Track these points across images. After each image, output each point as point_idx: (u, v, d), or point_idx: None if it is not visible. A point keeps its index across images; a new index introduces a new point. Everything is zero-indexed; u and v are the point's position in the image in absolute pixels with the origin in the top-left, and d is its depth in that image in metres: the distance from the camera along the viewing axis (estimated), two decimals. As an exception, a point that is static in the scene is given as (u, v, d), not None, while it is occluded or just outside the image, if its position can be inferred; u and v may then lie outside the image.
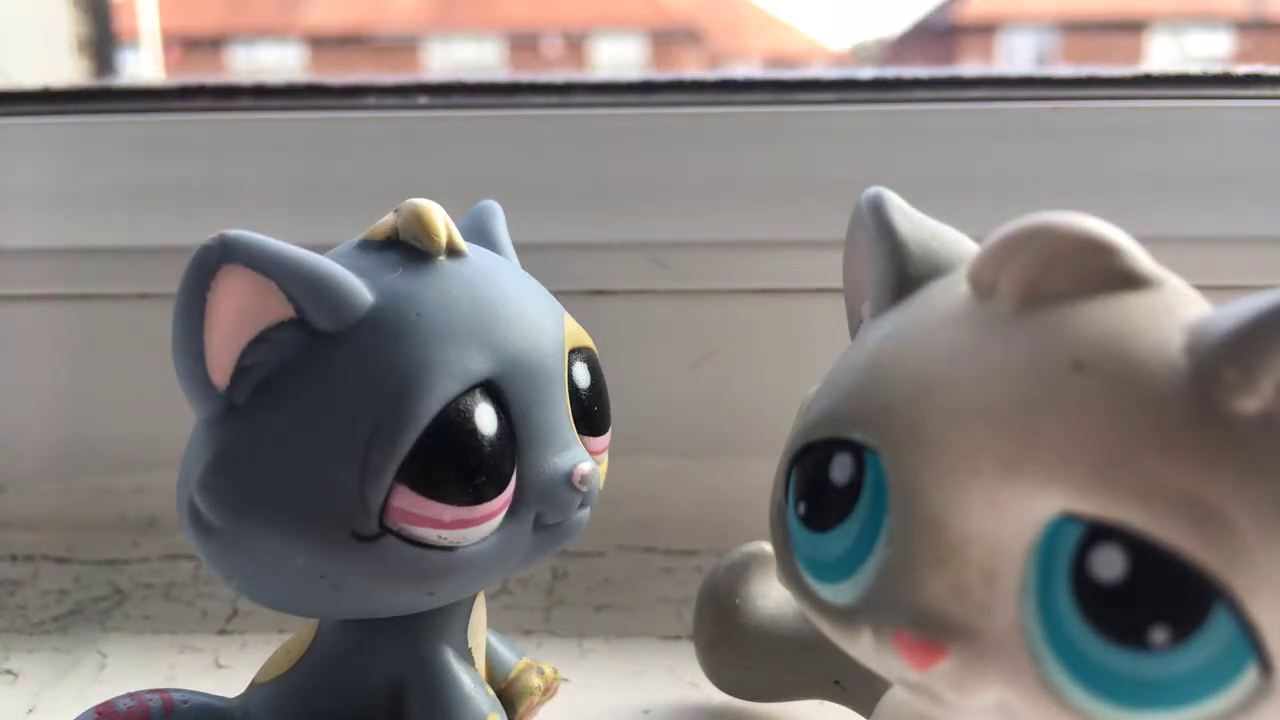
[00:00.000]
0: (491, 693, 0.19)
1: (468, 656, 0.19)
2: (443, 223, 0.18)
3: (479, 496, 0.16)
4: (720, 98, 0.33)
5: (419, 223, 0.17)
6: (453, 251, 0.18)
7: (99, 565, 0.32)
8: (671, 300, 0.33)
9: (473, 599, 0.20)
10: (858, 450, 0.13)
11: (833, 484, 0.13)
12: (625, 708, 0.25)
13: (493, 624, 0.21)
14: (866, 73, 0.35)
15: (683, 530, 0.33)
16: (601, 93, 0.34)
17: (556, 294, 0.19)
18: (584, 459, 0.18)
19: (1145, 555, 0.10)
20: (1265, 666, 0.10)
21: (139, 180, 0.33)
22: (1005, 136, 0.32)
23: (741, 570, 0.24)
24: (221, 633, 0.29)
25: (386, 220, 0.18)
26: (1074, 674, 0.11)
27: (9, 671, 0.27)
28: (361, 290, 0.16)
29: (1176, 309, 0.12)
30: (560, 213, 0.32)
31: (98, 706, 0.19)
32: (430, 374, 0.16)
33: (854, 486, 0.13)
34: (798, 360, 0.26)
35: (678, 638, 0.28)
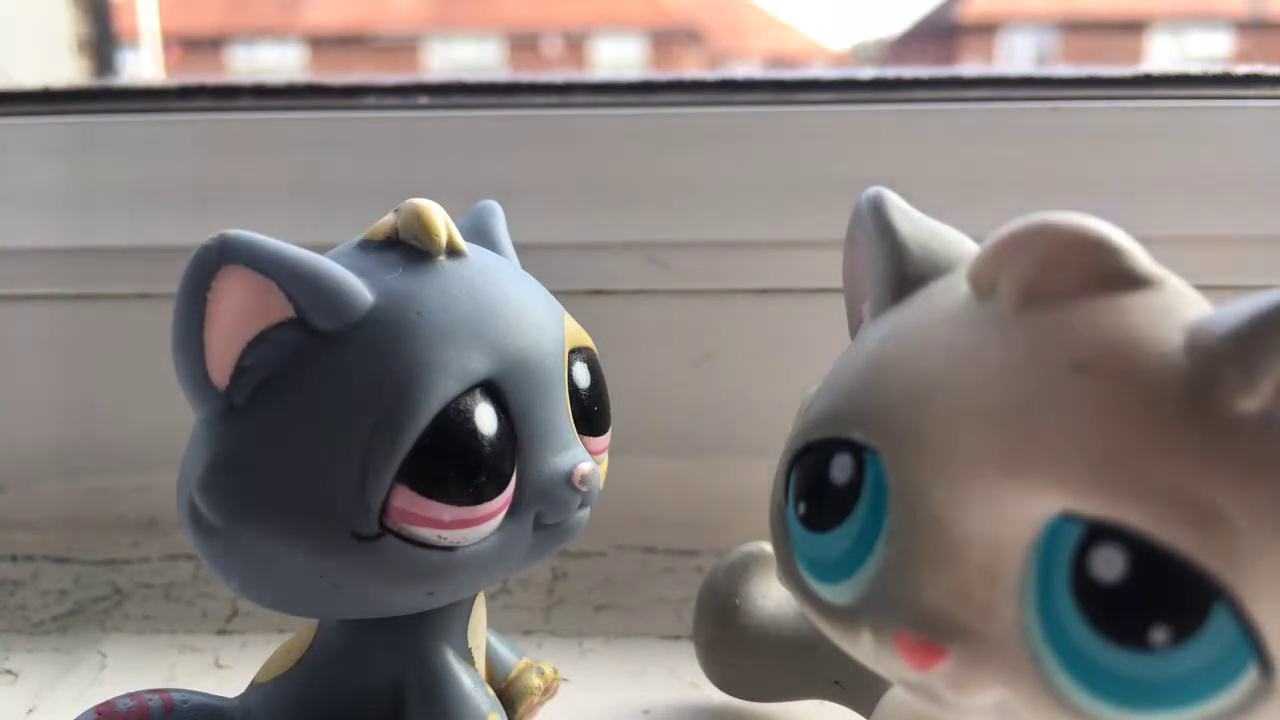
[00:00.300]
0: (491, 693, 0.19)
1: (468, 656, 0.19)
2: (443, 223, 0.18)
3: (479, 496, 0.16)
4: (720, 98, 0.33)
5: (419, 223, 0.17)
6: (453, 251, 0.18)
7: (99, 565, 0.32)
8: (671, 300, 0.33)
9: (473, 599, 0.20)
10: (858, 450, 0.13)
11: (833, 484, 0.13)
12: (625, 708, 0.25)
13: (493, 624, 0.21)
14: (866, 73, 0.35)
15: (683, 530, 0.33)
16: (601, 93, 0.34)
17: (556, 294, 0.19)
18: (584, 459, 0.18)
19: (1145, 555, 0.10)
20: (1266, 667, 0.10)
21: (139, 180, 0.33)
22: (1005, 136, 0.32)
23: (741, 570, 0.24)
24: (221, 633, 0.29)
25: (386, 220, 0.18)
26: (1074, 674, 0.11)
27: (9, 671, 0.27)
28: (361, 290, 0.16)
29: (1176, 309, 0.12)
30: (560, 213, 0.32)
31: (98, 706, 0.19)
32: (430, 374, 0.16)
33: (854, 487, 0.13)
34: (798, 360, 0.26)
35: (678, 638, 0.28)
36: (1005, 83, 0.34)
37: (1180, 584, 0.10)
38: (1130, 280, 0.12)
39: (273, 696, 0.19)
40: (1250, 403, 0.11)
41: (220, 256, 0.15)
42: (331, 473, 0.16)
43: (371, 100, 0.35)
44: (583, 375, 0.19)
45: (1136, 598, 0.10)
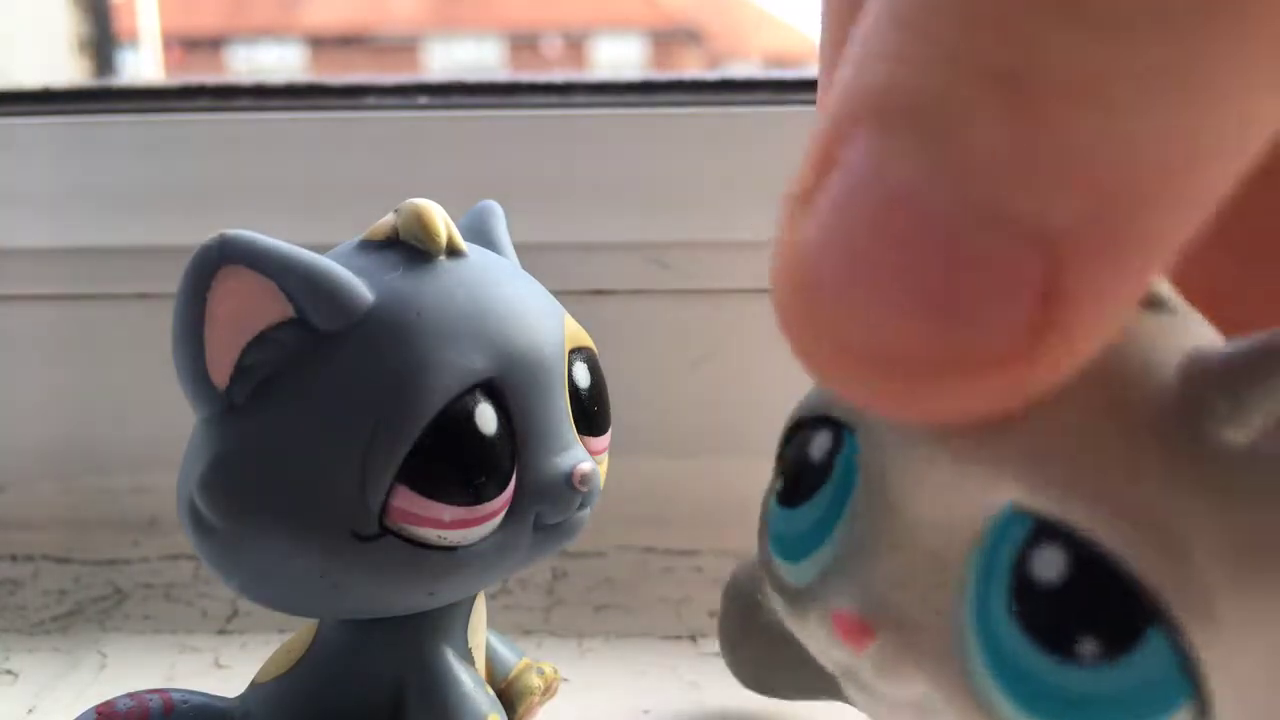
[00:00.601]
0: (491, 693, 0.19)
1: (468, 656, 0.19)
2: (443, 223, 0.18)
3: (479, 496, 0.16)
4: (720, 98, 0.33)
5: (419, 223, 0.17)
6: (453, 251, 0.18)
7: (99, 565, 0.32)
8: (671, 300, 0.33)
9: (473, 599, 0.20)
10: (838, 428, 0.12)
11: (810, 460, 0.13)
12: (625, 708, 0.25)
13: (493, 624, 0.21)
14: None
15: (683, 530, 0.33)
16: (601, 93, 0.34)
17: (556, 294, 0.19)
18: (584, 459, 0.18)
19: (1088, 561, 0.10)
20: (1202, 708, 0.10)
21: (139, 180, 0.33)
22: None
23: None
24: (221, 633, 0.29)
25: (386, 220, 0.18)
26: (997, 675, 0.10)
27: (9, 671, 0.27)
28: (361, 290, 0.16)
29: (1180, 333, 0.11)
30: (560, 213, 0.32)
31: (98, 706, 0.19)
32: (430, 374, 0.16)
33: (828, 464, 0.12)
34: (798, 360, 0.26)
35: (678, 638, 0.28)
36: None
37: (1119, 597, 0.10)
38: (1142, 300, 0.11)
39: (273, 696, 0.19)
40: (1237, 435, 0.10)
41: (220, 256, 0.16)
42: (331, 473, 0.16)
43: (371, 100, 0.35)
44: (583, 375, 0.19)
45: (1071, 603, 0.10)
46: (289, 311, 0.16)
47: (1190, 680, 0.10)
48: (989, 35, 0.08)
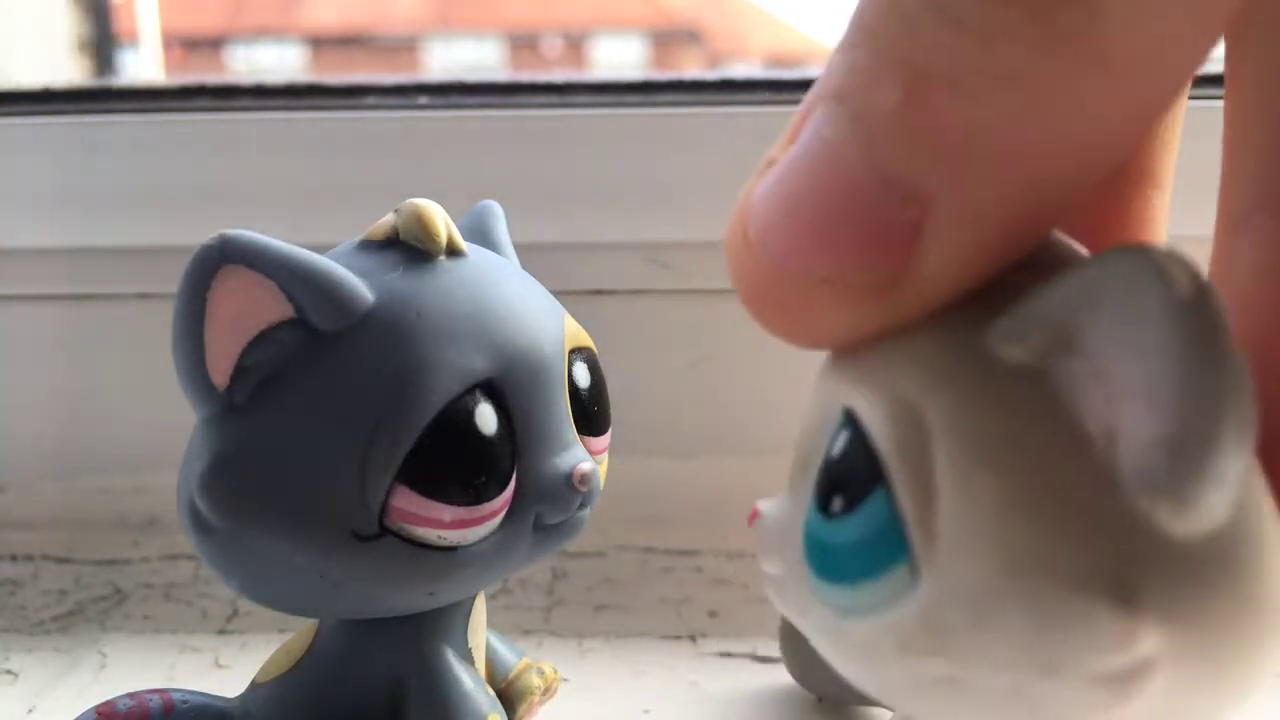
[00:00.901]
0: (491, 693, 0.19)
1: (468, 656, 0.19)
2: (443, 223, 0.18)
3: (479, 496, 0.16)
4: (720, 98, 0.33)
5: (419, 223, 0.17)
6: (453, 251, 0.18)
7: (99, 565, 0.32)
8: (671, 300, 0.33)
9: (473, 599, 0.20)
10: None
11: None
12: (625, 708, 0.25)
13: (493, 624, 0.21)
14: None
15: (683, 530, 0.33)
16: (601, 93, 0.34)
17: (556, 294, 0.19)
18: (584, 459, 0.18)
19: (855, 437, 0.12)
20: (913, 565, 0.11)
21: (139, 180, 0.33)
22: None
23: None
24: (221, 633, 0.29)
25: (386, 220, 0.18)
26: (804, 541, 0.13)
27: (9, 671, 0.27)
28: (361, 290, 0.16)
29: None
30: (560, 213, 0.32)
31: (98, 706, 0.19)
32: (430, 374, 0.16)
33: None
34: (797, 360, 0.26)
35: (678, 638, 0.28)
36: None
37: (863, 463, 0.12)
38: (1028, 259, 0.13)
39: (273, 697, 0.19)
40: (1017, 351, 0.11)
41: (220, 256, 0.16)
42: (331, 473, 0.16)
43: (371, 100, 0.35)
44: (583, 375, 0.19)
45: (837, 468, 0.12)
46: (289, 311, 0.16)
47: (902, 540, 0.11)
48: (902, 31, 0.10)
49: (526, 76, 0.35)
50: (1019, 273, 0.12)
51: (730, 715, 0.25)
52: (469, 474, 0.16)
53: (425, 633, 0.19)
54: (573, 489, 0.18)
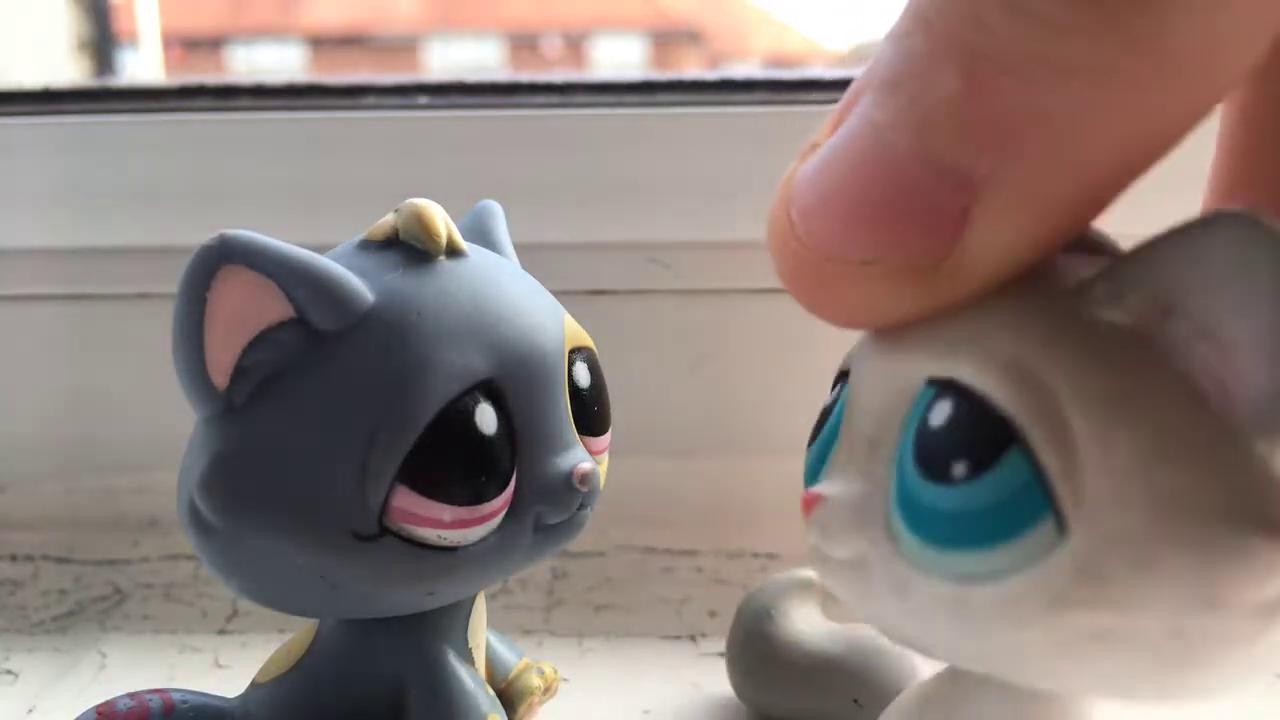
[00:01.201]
0: (491, 693, 0.19)
1: (468, 656, 0.19)
2: (443, 223, 0.18)
3: (479, 496, 0.16)
4: (720, 98, 0.33)
5: (419, 223, 0.17)
6: (453, 251, 0.18)
7: (99, 565, 0.32)
8: (671, 300, 0.33)
9: (473, 599, 0.20)
10: (843, 378, 0.15)
11: (825, 406, 0.15)
12: (625, 708, 0.25)
13: (493, 624, 0.21)
14: (866, 73, 0.35)
15: (683, 530, 0.33)
16: (601, 93, 0.34)
17: (556, 294, 0.19)
18: (584, 459, 0.18)
19: (964, 403, 0.12)
20: (1060, 522, 0.11)
21: (139, 180, 0.33)
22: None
23: (785, 588, 0.25)
24: (221, 633, 0.29)
25: (386, 220, 0.18)
26: (904, 513, 0.12)
27: (9, 671, 0.27)
28: (361, 290, 0.16)
29: (1095, 263, 0.13)
30: (560, 213, 0.32)
31: (98, 706, 0.19)
32: (430, 374, 0.16)
33: (831, 406, 0.15)
34: (798, 360, 0.26)
35: (678, 638, 0.28)
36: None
37: (985, 426, 0.12)
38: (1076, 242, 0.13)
39: (273, 696, 0.19)
40: (1115, 314, 0.12)
41: (220, 256, 0.16)
42: (331, 473, 0.16)
43: (371, 100, 0.35)
44: (583, 375, 0.19)
45: (949, 437, 0.12)
46: (289, 311, 0.16)
47: (1047, 497, 0.11)
48: (960, 18, 0.10)
49: (526, 76, 0.35)
50: (1064, 256, 0.12)
51: (730, 715, 0.25)
52: (469, 474, 0.16)
53: (425, 633, 0.19)
54: (573, 489, 0.18)
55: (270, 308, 0.16)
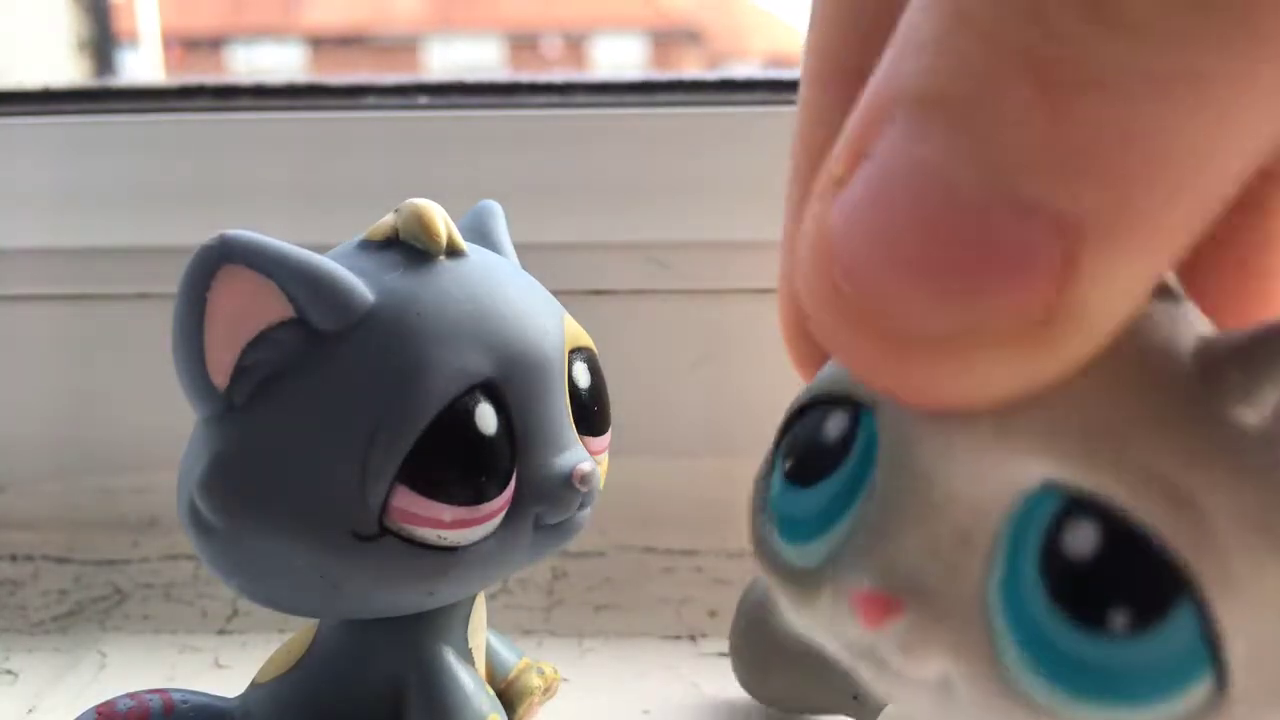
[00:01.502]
0: (491, 693, 0.19)
1: (468, 656, 0.19)
2: (443, 223, 0.18)
3: (479, 496, 0.16)
4: (720, 98, 0.33)
5: (419, 223, 0.17)
6: (453, 251, 0.18)
7: (99, 565, 0.32)
8: (671, 300, 0.33)
9: (473, 599, 0.20)
10: (854, 407, 0.12)
11: (824, 439, 0.13)
12: (625, 708, 0.25)
13: (493, 624, 0.21)
14: (866, 73, 0.35)
15: (683, 530, 0.33)
16: (601, 93, 0.34)
17: (556, 294, 0.19)
18: (584, 459, 0.18)
19: (1119, 534, 0.10)
20: (1221, 679, 0.10)
21: (139, 180, 0.33)
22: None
23: None
24: (221, 633, 0.29)
25: (386, 220, 0.18)
26: (1026, 650, 0.10)
27: (9, 671, 0.27)
28: (361, 290, 0.16)
29: (1194, 321, 0.11)
30: (560, 213, 0.32)
31: (98, 706, 0.19)
32: (430, 374, 0.16)
33: (845, 442, 0.12)
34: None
35: (678, 638, 0.28)
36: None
37: (1150, 569, 0.10)
38: (1155, 288, 0.11)
39: (273, 696, 0.19)
40: (1250, 414, 0.10)
41: (220, 256, 0.16)
42: (331, 473, 0.16)
43: (371, 100, 0.35)
44: (583, 375, 0.19)
45: (1103, 575, 0.10)
46: (289, 311, 0.16)
47: (1212, 651, 0.10)
48: (1025, 25, 0.08)
49: (526, 76, 0.35)
50: (1154, 307, 0.11)
51: (730, 715, 0.25)
52: (469, 474, 0.16)
53: (425, 633, 0.19)
54: (573, 489, 0.18)
55: (270, 307, 0.16)
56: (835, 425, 0.12)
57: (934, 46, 0.09)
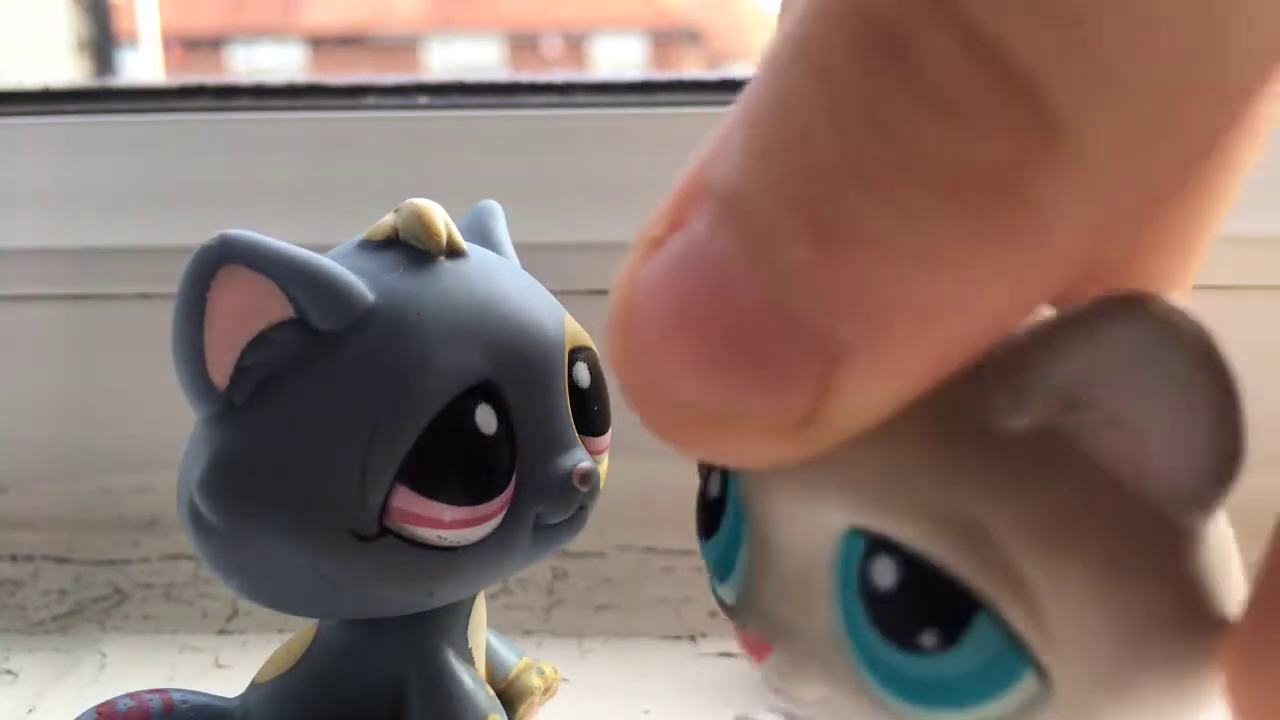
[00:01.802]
0: (491, 693, 0.19)
1: (468, 656, 0.19)
2: (443, 223, 0.18)
3: (479, 496, 0.16)
4: (720, 98, 0.33)
5: (419, 223, 0.17)
6: (453, 251, 0.18)
7: (99, 565, 0.32)
8: (671, 300, 0.33)
9: (473, 599, 0.20)
10: (723, 471, 0.14)
11: (709, 496, 0.14)
12: (625, 708, 0.25)
13: (493, 624, 0.21)
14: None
15: (683, 530, 0.33)
16: (601, 93, 0.34)
17: (556, 294, 0.19)
18: (584, 459, 0.18)
19: (914, 565, 0.11)
20: (1042, 674, 0.11)
21: (139, 180, 0.33)
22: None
23: None
24: (221, 633, 0.29)
25: (386, 220, 0.18)
26: (871, 673, 0.12)
27: (9, 671, 0.27)
28: (361, 290, 0.16)
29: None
30: (560, 213, 0.32)
31: (98, 706, 0.19)
32: (430, 374, 0.16)
33: (722, 498, 0.14)
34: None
35: (678, 638, 0.28)
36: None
37: (942, 593, 0.11)
38: None
39: (273, 696, 0.19)
40: (1019, 421, 0.11)
41: (220, 256, 0.16)
42: (331, 473, 0.16)
43: (371, 100, 0.35)
44: (583, 375, 0.19)
45: (905, 604, 0.11)
46: (289, 311, 0.16)
47: (1023, 652, 0.11)
48: (809, 182, 0.10)
49: (526, 76, 0.35)
50: None
51: (730, 715, 0.25)
52: (469, 474, 0.16)
53: (425, 633, 0.19)
54: (573, 489, 0.18)
55: (270, 308, 0.16)
56: (714, 484, 0.14)
57: (743, 153, 0.10)
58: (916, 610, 0.11)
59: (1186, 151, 0.10)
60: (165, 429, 0.24)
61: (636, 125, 0.32)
